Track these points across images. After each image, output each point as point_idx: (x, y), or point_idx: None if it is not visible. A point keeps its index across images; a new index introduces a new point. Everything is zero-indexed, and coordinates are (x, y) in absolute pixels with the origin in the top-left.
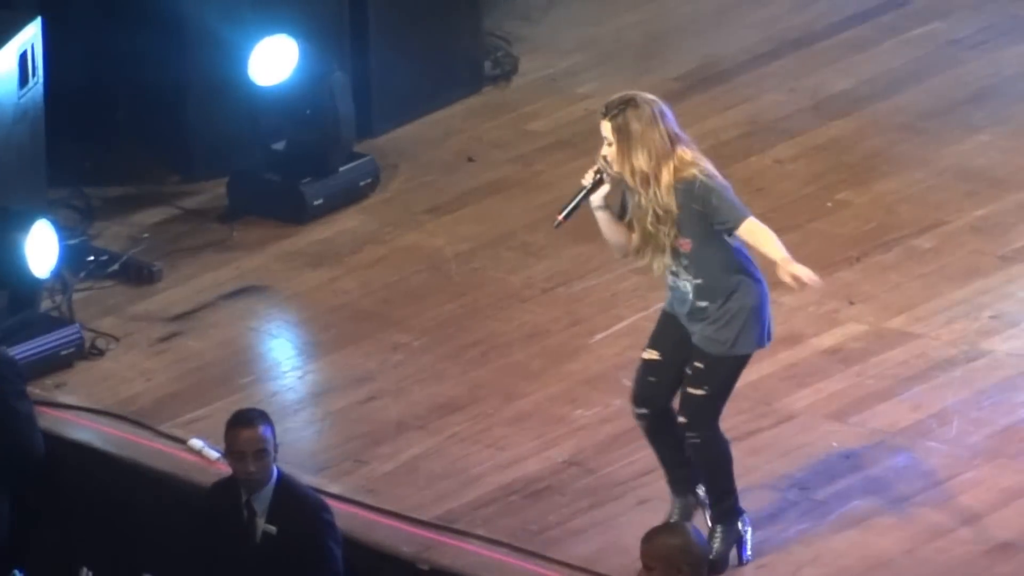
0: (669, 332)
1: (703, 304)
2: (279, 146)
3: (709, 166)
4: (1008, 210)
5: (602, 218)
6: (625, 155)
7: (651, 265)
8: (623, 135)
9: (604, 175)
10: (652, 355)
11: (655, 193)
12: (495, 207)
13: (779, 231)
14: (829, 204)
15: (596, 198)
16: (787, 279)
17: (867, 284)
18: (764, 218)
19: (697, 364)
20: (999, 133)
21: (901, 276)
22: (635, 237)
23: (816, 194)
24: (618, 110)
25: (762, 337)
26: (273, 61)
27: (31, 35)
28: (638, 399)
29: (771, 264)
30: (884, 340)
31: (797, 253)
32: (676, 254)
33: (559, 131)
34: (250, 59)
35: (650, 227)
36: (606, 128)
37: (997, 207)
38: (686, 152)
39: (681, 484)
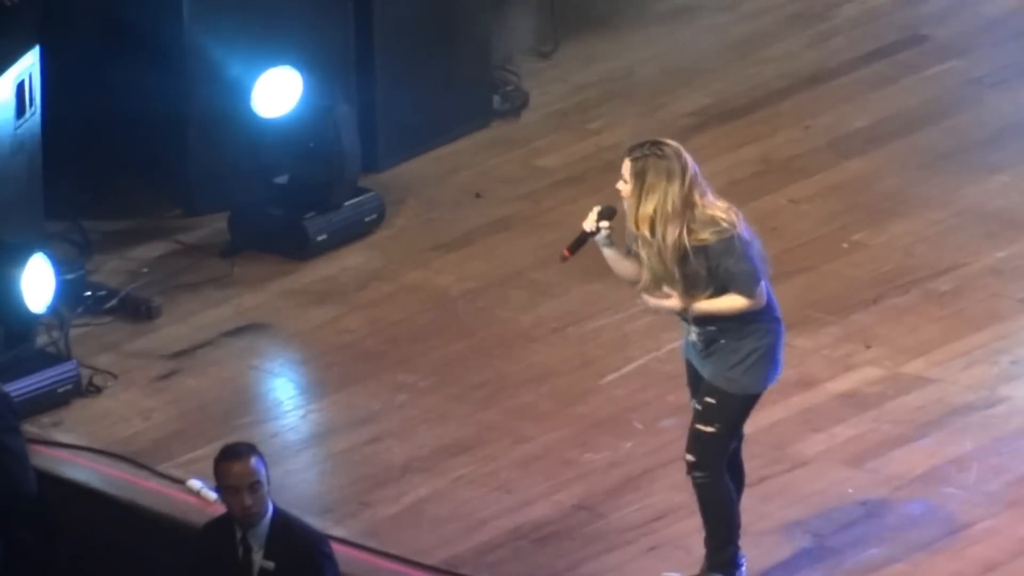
0: (695, 378)
1: (718, 344)
2: (282, 180)
3: (735, 223)
4: None
5: (609, 256)
6: (636, 199)
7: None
8: (639, 180)
9: (605, 218)
10: (695, 404)
11: (659, 246)
12: (503, 244)
13: (794, 272)
14: (845, 245)
15: (601, 238)
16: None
17: (884, 327)
18: (778, 259)
19: (708, 400)
20: (1019, 174)
21: (918, 319)
22: (644, 275)
23: (832, 235)
24: (641, 153)
25: (774, 374)
26: (277, 93)
27: (29, 64)
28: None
29: (786, 304)
30: (901, 385)
31: (812, 295)
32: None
33: (569, 167)
34: (253, 91)
35: (656, 267)
36: (626, 167)
37: (1017, 249)
38: (706, 209)
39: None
